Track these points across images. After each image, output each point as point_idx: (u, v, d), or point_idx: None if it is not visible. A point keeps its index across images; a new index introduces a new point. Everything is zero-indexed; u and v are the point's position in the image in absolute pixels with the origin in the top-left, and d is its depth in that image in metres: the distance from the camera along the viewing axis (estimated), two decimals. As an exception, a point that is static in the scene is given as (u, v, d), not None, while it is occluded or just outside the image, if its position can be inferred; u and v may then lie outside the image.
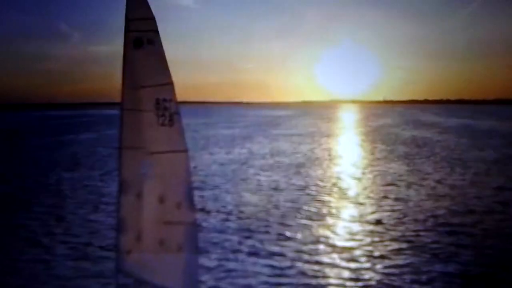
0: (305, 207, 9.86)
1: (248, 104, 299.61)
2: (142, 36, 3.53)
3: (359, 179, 13.47)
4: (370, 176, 13.92)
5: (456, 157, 18.29)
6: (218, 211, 9.64)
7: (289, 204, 10.17)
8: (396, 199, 10.65)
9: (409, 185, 12.29)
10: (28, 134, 35.37)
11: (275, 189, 11.90)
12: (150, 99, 3.71)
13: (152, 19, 3.50)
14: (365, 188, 12.01)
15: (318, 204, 10.16)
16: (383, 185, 12.35)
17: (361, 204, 10.29)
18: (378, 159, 17.76)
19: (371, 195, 11.21)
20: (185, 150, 3.89)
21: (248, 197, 11.01)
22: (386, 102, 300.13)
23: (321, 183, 12.65)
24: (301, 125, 44.57)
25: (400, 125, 41.90)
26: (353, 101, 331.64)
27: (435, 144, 23.70)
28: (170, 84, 3.77)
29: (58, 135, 33.59)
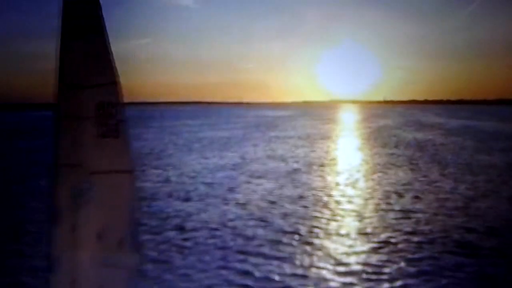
0: (298, 225, 8.58)
1: (248, 104, 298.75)
2: (82, 23, 2.55)
3: (359, 188, 12.18)
4: (371, 184, 12.64)
5: (463, 162, 17.02)
6: (194, 230, 8.36)
7: (278, 224, 8.90)
8: (404, 214, 9.37)
9: (416, 196, 11.01)
10: (15, 135, 34.08)
11: (266, 200, 10.62)
12: (90, 103, 2.66)
13: (95, 2, 2.51)
14: (366, 200, 10.72)
15: (313, 222, 8.89)
16: (387, 196, 11.08)
17: (363, 219, 9.02)
18: (379, 164, 16.47)
19: (374, 208, 9.94)
20: (131, 171, 2.78)
21: (233, 211, 9.72)
22: (386, 102, 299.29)
23: (318, 194, 11.38)
24: (299, 126, 43.31)
25: (401, 127, 40.64)
26: (353, 101, 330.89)
27: (440, 147, 22.43)
28: (115, 83, 2.70)
29: (47, 137, 32.24)
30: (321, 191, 11.69)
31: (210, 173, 14.80)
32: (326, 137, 29.81)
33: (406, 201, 10.50)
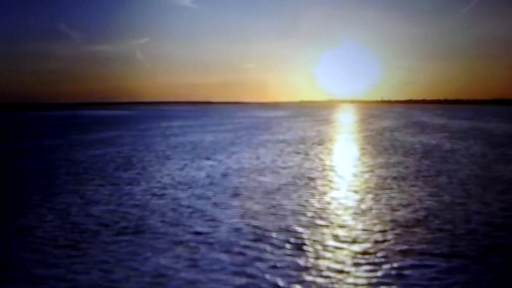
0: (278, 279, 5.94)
1: (246, 104, 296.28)
2: None
3: (362, 213, 9.54)
4: (378, 208, 10.00)
5: (485, 174, 14.41)
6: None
7: (250, 275, 6.26)
8: (428, 256, 6.75)
9: (440, 229, 8.38)
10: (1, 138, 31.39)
11: (241, 236, 7.98)
12: None
13: None
14: (372, 234, 8.09)
15: (302, 271, 6.25)
16: (401, 225, 8.45)
17: (371, 265, 6.40)
18: (385, 178, 13.83)
19: (385, 247, 7.31)
20: None
21: (186, 261, 7.07)
22: (384, 102, 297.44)
23: (309, 222, 8.74)
24: (295, 128, 40.66)
25: (403, 129, 38.05)
26: (352, 101, 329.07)
27: (449, 154, 19.82)
28: None
29: (30, 139, 29.61)
30: (314, 219, 9.05)
31: (177, 190, 12.13)
32: (323, 141, 27.16)
33: (429, 239, 7.86)
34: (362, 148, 22.56)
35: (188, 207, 10.22)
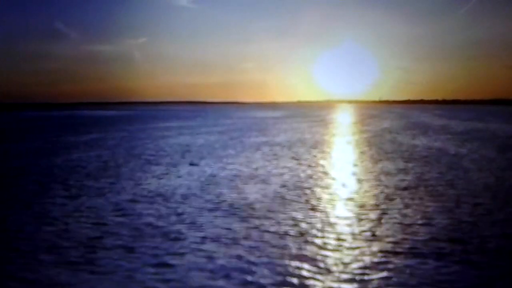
0: None
1: (245, 104, 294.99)
2: None
3: (363, 239, 7.94)
4: (383, 230, 8.40)
5: (497, 184, 12.81)
6: None
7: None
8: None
9: (466, 259, 6.79)
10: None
11: (205, 276, 6.37)
12: None
13: None
14: (377, 265, 6.49)
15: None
16: (411, 255, 6.87)
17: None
18: (388, 189, 12.24)
19: (396, 281, 5.73)
20: None
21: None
22: (382, 102, 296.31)
23: (295, 255, 7.14)
24: (291, 129, 39.05)
25: (404, 130, 36.47)
26: (350, 101, 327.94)
27: (457, 159, 18.25)
28: None
29: (10, 142, 27.97)
30: (309, 243, 7.45)
31: (148, 205, 10.50)
32: (319, 143, 25.57)
33: (441, 272, 6.27)
34: (362, 152, 20.96)
35: (155, 227, 8.59)
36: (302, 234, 8.13)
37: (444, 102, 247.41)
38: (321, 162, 17.75)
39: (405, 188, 12.21)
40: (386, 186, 12.51)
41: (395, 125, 43.85)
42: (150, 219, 9.14)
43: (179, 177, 14.30)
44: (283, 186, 12.66)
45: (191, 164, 17.14)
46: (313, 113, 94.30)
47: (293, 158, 18.83)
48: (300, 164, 17.12)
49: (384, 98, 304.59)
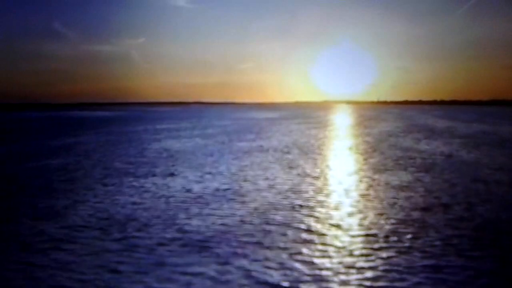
0: None
1: (242, 104, 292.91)
2: None
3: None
4: (394, 275, 6.10)
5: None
6: None
7: None
8: None
9: None
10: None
11: None
12: None
13: None
14: None
15: None
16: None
17: None
18: (397, 212, 9.92)
19: None
20: None
21: None
22: (380, 102, 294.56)
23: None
24: (287, 132, 36.71)
25: (406, 133, 34.16)
26: (348, 102, 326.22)
27: (474, 170, 15.94)
28: None
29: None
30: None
31: (84, 240, 8.16)
32: (315, 149, 23.23)
33: None
34: (362, 161, 18.62)
35: (78, 282, 6.24)
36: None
37: (442, 102, 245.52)
38: (315, 172, 15.40)
39: (417, 209, 9.89)
40: (393, 206, 10.18)
41: (396, 128, 41.56)
42: (75, 268, 6.76)
43: (145, 192, 11.95)
44: (265, 209, 10.30)
45: (165, 175, 14.78)
46: (311, 114, 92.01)
47: (285, 167, 16.48)
48: (290, 174, 14.79)
49: (383, 98, 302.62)
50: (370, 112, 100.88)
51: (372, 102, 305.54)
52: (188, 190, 12.26)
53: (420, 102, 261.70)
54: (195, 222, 9.04)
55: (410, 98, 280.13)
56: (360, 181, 13.70)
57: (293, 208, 10.18)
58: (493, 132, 35.51)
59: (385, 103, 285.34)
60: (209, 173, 15.19)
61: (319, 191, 12.17)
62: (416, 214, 9.52)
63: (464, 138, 29.28)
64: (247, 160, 18.62)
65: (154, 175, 14.75)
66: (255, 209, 10.09)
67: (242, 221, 9.05)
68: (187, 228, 8.61)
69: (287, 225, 8.73)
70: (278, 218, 9.31)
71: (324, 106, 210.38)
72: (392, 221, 9.02)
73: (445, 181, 13.47)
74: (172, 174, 14.88)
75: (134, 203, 10.72)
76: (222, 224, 8.85)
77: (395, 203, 10.53)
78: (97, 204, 10.70)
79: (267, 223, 8.91)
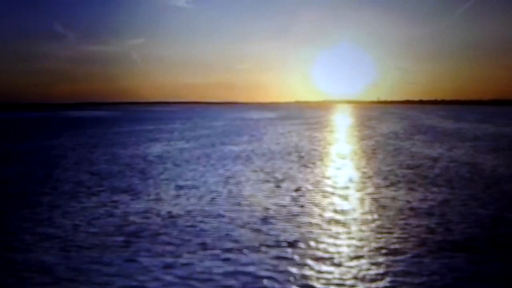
0: None
1: (242, 104, 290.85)
2: None
3: None
4: None
5: None
6: None
7: None
8: None
9: None
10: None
11: None
12: None
13: None
14: None
15: None
16: None
17: None
18: (413, 249, 7.35)
19: None
20: None
21: None
22: (380, 102, 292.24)
23: None
24: (281, 135, 34.08)
25: (411, 135, 31.51)
26: (348, 101, 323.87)
27: (493, 179, 13.37)
28: None
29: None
30: None
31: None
32: (311, 156, 20.63)
33: None
34: (366, 172, 15.99)
35: None
36: None
37: (443, 102, 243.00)
38: (308, 188, 12.78)
39: (441, 249, 7.30)
40: (407, 240, 7.59)
41: (399, 129, 38.96)
42: None
43: (94, 219, 9.35)
44: (249, 230, 7.71)
45: (123, 192, 12.14)
46: (310, 114, 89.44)
47: (272, 181, 13.84)
48: (277, 189, 12.20)
49: (383, 98, 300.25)
50: (371, 112, 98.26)
51: (372, 102, 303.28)
52: (148, 214, 9.70)
53: (420, 102, 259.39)
54: (145, 264, 6.46)
55: (410, 98, 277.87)
56: (361, 201, 11.09)
57: (279, 245, 7.60)
58: (504, 133, 32.90)
59: (385, 102, 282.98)
60: (188, 187, 12.62)
61: (306, 215, 9.58)
62: (438, 253, 6.94)
63: (476, 141, 26.65)
64: (236, 168, 16.05)
65: (111, 192, 12.15)
66: (244, 231, 7.49)
67: (226, 256, 6.47)
68: (130, 268, 6.04)
69: (265, 260, 6.17)
70: (263, 257, 6.72)
71: (324, 106, 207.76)
72: (403, 262, 6.44)
73: (466, 198, 10.89)
74: (129, 192, 12.20)
75: (62, 240, 8.15)
76: (178, 268, 6.27)
77: (407, 233, 7.94)
78: (27, 233, 8.13)
79: (246, 271, 6.33)
